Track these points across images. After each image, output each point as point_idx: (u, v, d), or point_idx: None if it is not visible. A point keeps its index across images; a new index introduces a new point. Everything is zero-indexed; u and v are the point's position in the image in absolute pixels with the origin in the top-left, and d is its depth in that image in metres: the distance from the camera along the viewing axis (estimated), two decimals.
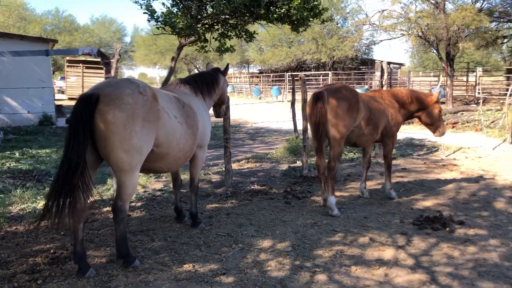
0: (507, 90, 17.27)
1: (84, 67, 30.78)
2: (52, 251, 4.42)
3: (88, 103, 3.57)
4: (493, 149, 10.59)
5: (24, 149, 10.26)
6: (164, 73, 61.11)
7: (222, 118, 6.78)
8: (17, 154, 9.62)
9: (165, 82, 10.98)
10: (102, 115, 3.59)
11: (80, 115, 3.54)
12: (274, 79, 41.02)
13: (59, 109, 19.13)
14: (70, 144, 3.52)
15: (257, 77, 46.53)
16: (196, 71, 54.88)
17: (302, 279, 3.90)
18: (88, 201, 3.73)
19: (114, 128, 3.61)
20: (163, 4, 11.19)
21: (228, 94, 6.44)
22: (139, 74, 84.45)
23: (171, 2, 10.82)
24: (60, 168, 3.56)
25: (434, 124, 6.95)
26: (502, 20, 23.88)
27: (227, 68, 5.94)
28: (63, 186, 3.50)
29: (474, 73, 28.47)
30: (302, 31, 11.67)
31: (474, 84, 26.52)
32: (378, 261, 4.30)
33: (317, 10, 10.57)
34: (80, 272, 3.85)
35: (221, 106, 6.09)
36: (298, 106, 11.28)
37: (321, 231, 5.14)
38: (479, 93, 22.23)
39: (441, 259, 4.35)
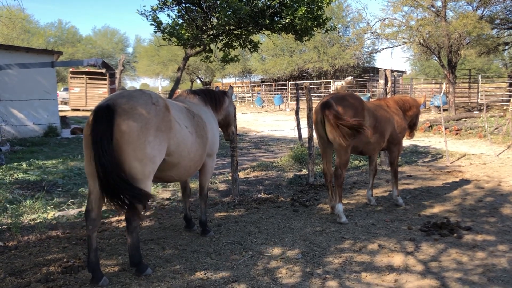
0: (510, 96, 17.35)
1: (87, 78, 31.07)
2: (65, 260, 4.47)
3: (104, 113, 3.63)
4: (498, 155, 10.62)
5: (31, 160, 10.32)
6: (166, 83, 61.35)
7: None
8: (24, 165, 9.68)
9: (172, 92, 11.08)
10: (117, 125, 3.66)
11: (97, 126, 3.60)
12: (276, 88, 41.21)
13: (64, 120, 19.27)
14: (96, 156, 3.60)
15: (259, 86, 46.75)
16: (198, 81, 55.26)
17: (314, 286, 3.93)
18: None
19: (128, 137, 3.67)
20: (168, 15, 11.33)
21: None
22: (141, 85, 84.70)
23: (177, 13, 10.97)
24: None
25: (416, 126, 7.21)
26: (503, 27, 24.03)
27: (230, 90, 6.07)
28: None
29: (476, 80, 28.51)
30: (306, 40, 11.81)
31: (476, 91, 26.54)
32: (388, 267, 4.33)
33: (321, 20, 10.70)
34: (94, 281, 3.90)
35: (228, 128, 6.17)
36: (302, 114, 11.36)
37: (330, 238, 5.18)
38: (482, 99, 22.30)
39: (450, 265, 4.38)
